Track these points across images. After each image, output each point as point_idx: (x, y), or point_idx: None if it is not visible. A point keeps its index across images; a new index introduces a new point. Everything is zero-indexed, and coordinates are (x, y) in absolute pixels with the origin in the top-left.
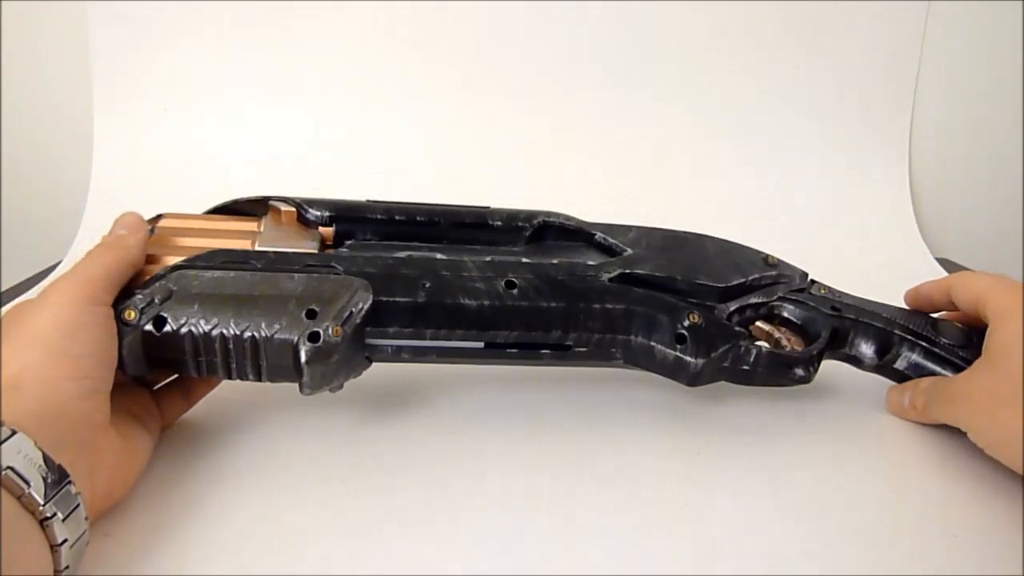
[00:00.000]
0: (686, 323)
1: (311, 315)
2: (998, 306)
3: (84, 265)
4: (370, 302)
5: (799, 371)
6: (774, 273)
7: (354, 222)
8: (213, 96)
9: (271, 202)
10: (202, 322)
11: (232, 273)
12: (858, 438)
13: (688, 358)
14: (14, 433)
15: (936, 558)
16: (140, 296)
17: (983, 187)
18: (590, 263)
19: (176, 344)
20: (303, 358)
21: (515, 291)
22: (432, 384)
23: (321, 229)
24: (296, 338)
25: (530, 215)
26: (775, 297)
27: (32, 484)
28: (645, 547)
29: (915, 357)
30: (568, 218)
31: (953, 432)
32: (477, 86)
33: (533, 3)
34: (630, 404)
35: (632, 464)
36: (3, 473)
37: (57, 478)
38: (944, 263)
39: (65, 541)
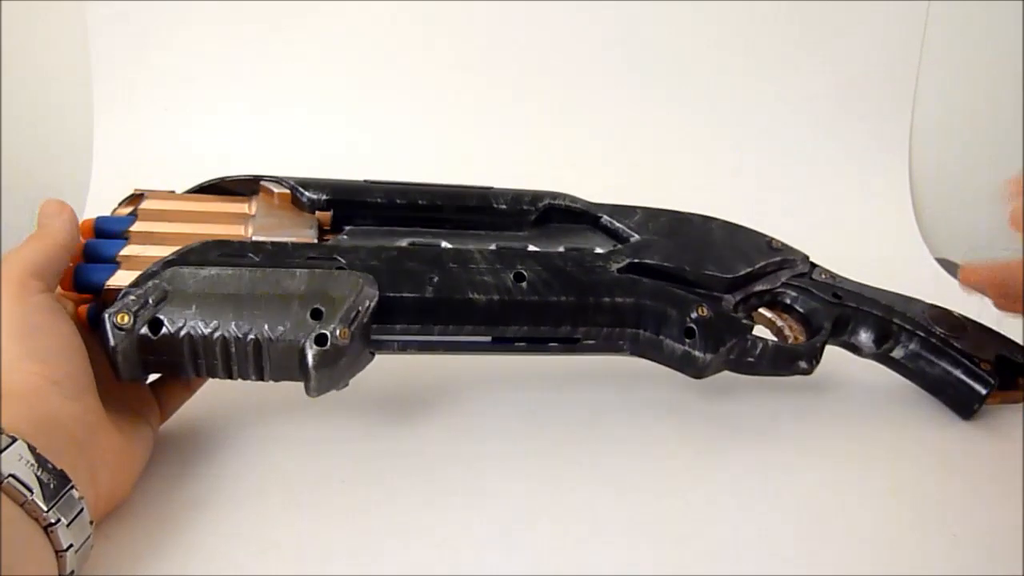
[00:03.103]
0: (694, 316)
1: (316, 315)
2: None
3: (6, 263)
4: (376, 299)
5: (802, 363)
6: (778, 259)
7: (352, 207)
8: (213, 96)
9: (263, 182)
10: (200, 324)
11: (230, 270)
12: (858, 438)
13: (697, 353)
14: (14, 440)
15: (936, 558)
16: (132, 297)
17: (983, 187)
18: (598, 251)
19: (174, 347)
20: (310, 362)
21: (524, 284)
22: (432, 383)
23: (318, 213)
24: (302, 340)
25: (535, 197)
26: (779, 284)
27: (34, 491)
28: (644, 547)
29: (913, 347)
30: (573, 200)
31: (953, 431)
32: (478, 82)
33: (536, 2)
34: (630, 403)
35: (632, 463)
36: (5, 481)
37: (59, 483)
38: (944, 263)
39: (71, 546)
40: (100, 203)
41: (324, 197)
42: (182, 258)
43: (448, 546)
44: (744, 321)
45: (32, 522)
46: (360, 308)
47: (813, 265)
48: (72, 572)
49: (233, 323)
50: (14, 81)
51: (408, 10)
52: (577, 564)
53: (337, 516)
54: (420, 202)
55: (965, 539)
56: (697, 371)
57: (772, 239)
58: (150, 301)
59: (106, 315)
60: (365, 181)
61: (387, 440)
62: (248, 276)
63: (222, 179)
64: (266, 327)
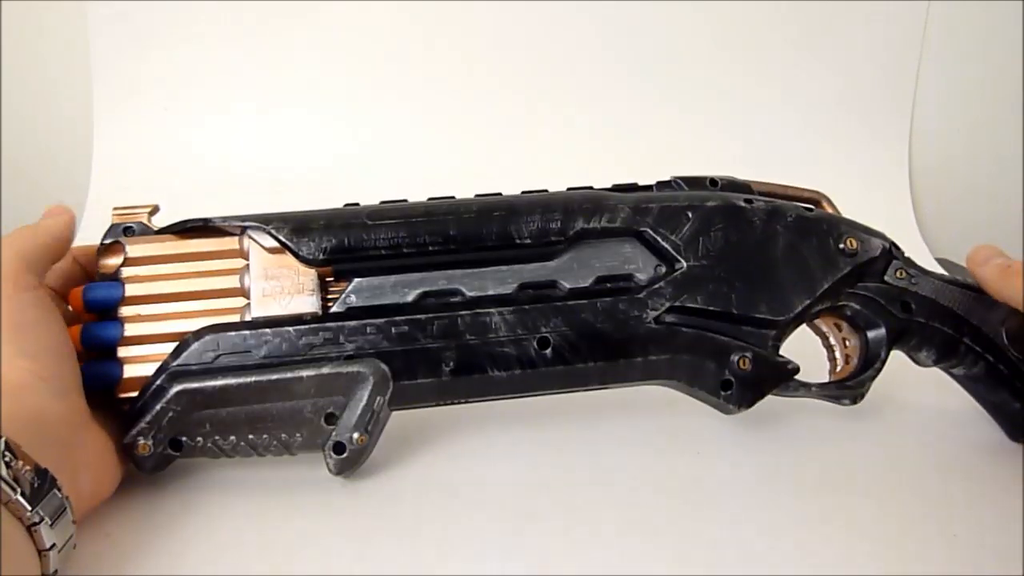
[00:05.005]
0: (734, 366)
1: (330, 420)
2: None
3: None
4: (391, 392)
5: (846, 401)
6: (848, 270)
7: (355, 258)
8: (213, 96)
9: (250, 233)
10: (218, 438)
11: (234, 381)
12: (858, 438)
13: (731, 406)
14: None
15: (936, 558)
16: (145, 425)
17: (983, 187)
18: (639, 278)
19: (197, 453)
20: (332, 468)
21: (549, 352)
22: None
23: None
24: (319, 447)
25: (566, 218)
26: (843, 295)
27: (18, 490)
28: (644, 547)
29: (977, 370)
30: (611, 217)
31: (953, 431)
32: (479, 83)
33: (536, 2)
34: (630, 403)
35: (631, 464)
36: None
37: (43, 483)
38: (944, 263)
39: (53, 546)
40: (100, 203)
41: (321, 256)
42: (182, 361)
43: (448, 547)
44: (789, 366)
45: (15, 521)
46: (375, 407)
47: (891, 256)
48: (55, 571)
49: (249, 436)
50: (14, 81)
51: (408, 10)
52: (576, 565)
53: (335, 516)
54: (431, 248)
55: (965, 539)
56: (727, 414)
57: (848, 239)
58: (163, 424)
59: (127, 445)
60: (367, 215)
61: (385, 444)
62: (254, 385)
63: (206, 221)
64: (283, 436)
